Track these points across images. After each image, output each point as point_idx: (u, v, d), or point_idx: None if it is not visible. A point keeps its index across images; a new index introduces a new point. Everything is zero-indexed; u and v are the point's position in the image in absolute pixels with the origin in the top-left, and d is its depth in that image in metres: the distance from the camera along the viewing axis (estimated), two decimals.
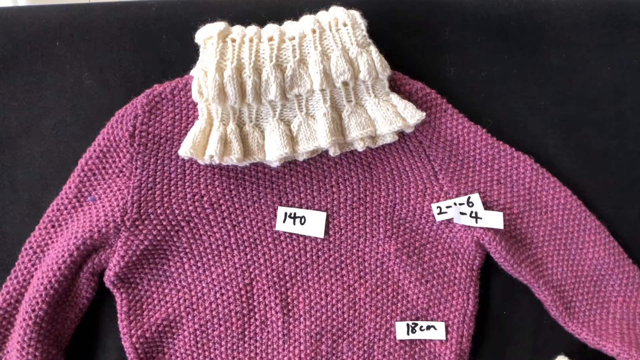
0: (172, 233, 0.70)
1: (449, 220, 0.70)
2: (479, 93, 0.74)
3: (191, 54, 0.73)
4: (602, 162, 0.74)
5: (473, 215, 0.69)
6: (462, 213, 0.69)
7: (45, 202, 0.73)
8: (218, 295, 0.70)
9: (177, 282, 0.70)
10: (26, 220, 0.73)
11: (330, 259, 0.71)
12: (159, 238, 0.69)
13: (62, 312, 0.68)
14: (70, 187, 0.70)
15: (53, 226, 0.70)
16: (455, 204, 0.70)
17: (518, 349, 0.71)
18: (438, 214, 0.70)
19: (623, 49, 0.75)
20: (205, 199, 0.70)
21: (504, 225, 0.70)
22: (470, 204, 0.69)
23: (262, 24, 0.68)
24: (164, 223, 0.69)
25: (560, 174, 0.74)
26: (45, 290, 0.66)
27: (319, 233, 0.70)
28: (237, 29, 0.66)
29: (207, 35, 0.66)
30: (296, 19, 0.68)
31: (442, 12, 0.74)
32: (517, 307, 0.72)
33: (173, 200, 0.69)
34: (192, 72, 0.69)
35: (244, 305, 0.69)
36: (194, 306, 0.69)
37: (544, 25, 0.75)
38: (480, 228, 0.69)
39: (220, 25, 0.66)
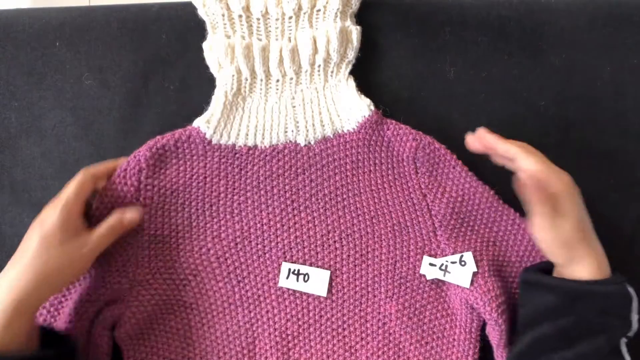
0: (180, 287, 0.69)
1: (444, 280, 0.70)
2: (479, 93, 0.74)
3: (191, 54, 0.73)
4: (602, 162, 0.74)
5: (442, 267, 0.69)
6: (431, 265, 0.69)
7: (45, 202, 0.73)
8: (221, 354, 0.69)
9: (182, 339, 0.69)
10: (26, 221, 0.73)
11: (333, 319, 0.70)
12: (167, 292, 0.69)
13: None
14: None
15: None
16: (447, 261, 0.69)
17: None
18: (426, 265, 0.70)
19: (623, 49, 0.75)
20: (211, 252, 0.70)
21: (497, 287, 0.68)
22: (463, 263, 0.68)
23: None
24: (173, 277, 0.69)
25: None
26: None
27: (322, 292, 0.70)
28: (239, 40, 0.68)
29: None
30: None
31: (442, 12, 0.74)
32: None
33: (181, 254, 0.69)
34: (195, 123, 0.69)
35: None
36: None
37: (544, 26, 0.74)
38: (469, 290, 0.68)
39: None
